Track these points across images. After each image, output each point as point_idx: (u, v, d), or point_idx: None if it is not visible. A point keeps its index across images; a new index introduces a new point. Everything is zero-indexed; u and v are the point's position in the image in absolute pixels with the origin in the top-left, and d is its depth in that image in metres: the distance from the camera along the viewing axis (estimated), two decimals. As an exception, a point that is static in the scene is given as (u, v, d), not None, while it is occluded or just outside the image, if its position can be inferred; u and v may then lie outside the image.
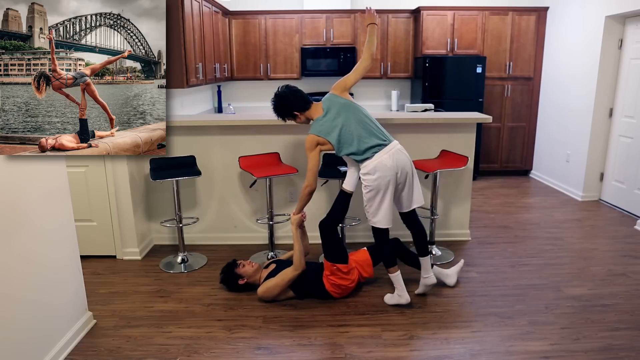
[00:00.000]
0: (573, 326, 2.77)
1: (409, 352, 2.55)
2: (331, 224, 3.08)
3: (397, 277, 3.00)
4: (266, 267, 3.24)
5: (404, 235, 3.30)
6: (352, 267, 3.10)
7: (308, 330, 2.77)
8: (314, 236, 3.26)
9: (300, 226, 3.17)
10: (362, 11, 3.29)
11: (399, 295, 2.99)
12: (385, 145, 2.89)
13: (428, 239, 3.79)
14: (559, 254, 3.84)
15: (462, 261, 3.40)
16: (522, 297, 3.13)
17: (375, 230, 3.01)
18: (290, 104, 3.00)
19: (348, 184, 3.10)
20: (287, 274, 3.01)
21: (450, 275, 3.26)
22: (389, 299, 3.06)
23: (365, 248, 3.30)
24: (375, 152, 2.86)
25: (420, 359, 2.51)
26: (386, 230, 2.98)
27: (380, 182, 2.84)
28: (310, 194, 3.03)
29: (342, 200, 3.11)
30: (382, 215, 2.91)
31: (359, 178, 2.98)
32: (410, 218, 3.11)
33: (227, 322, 2.87)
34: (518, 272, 3.52)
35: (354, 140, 2.88)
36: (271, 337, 2.71)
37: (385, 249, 3.04)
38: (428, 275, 3.07)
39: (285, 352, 2.57)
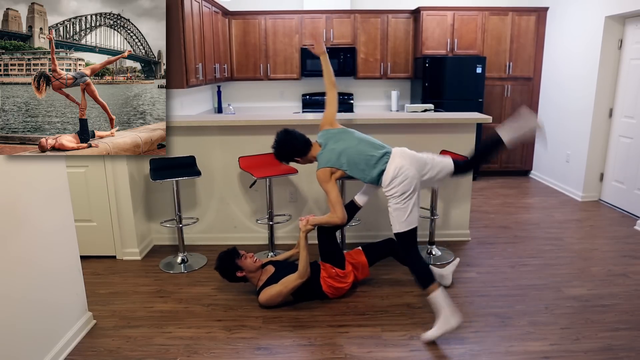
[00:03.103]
0: (573, 326, 2.77)
1: (409, 352, 2.55)
2: (330, 230, 3.07)
3: (437, 296, 2.62)
4: (263, 266, 3.20)
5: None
6: (349, 270, 3.10)
7: (308, 330, 2.76)
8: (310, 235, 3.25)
9: None
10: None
11: (446, 316, 2.60)
12: (390, 152, 2.85)
13: (428, 239, 3.82)
14: (558, 254, 3.84)
15: (457, 260, 3.38)
16: (522, 297, 3.13)
17: (405, 244, 2.78)
18: (289, 152, 2.96)
19: (360, 199, 3.14)
20: (291, 281, 2.95)
21: (446, 275, 3.25)
22: (434, 332, 2.62)
23: (359, 248, 3.28)
24: (386, 162, 2.80)
25: (420, 359, 2.51)
26: (416, 243, 2.79)
27: (409, 181, 2.72)
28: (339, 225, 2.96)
29: (349, 212, 3.09)
30: (413, 215, 2.74)
31: (387, 197, 2.83)
32: None
33: (227, 322, 2.86)
34: (518, 272, 3.52)
35: (362, 161, 2.82)
36: (271, 337, 2.70)
37: (418, 266, 2.76)
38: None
39: (285, 352, 2.57)
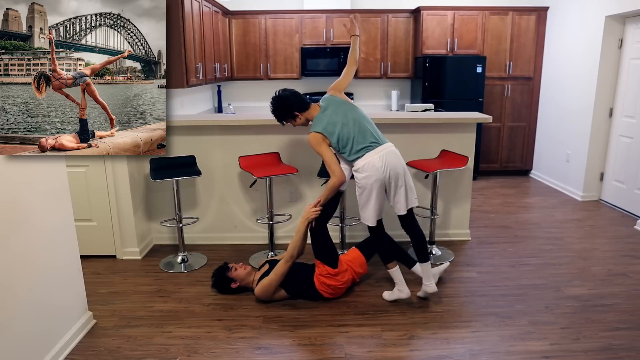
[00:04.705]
0: (573, 326, 2.78)
1: (409, 352, 2.55)
2: (320, 221, 3.06)
3: (395, 272, 3.03)
4: (259, 268, 3.26)
5: (401, 235, 3.29)
6: (343, 269, 3.10)
7: (308, 330, 2.77)
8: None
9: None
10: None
11: (399, 290, 3.01)
12: (377, 146, 2.91)
13: (428, 239, 3.82)
14: (559, 254, 3.84)
15: (447, 264, 3.39)
16: (522, 297, 3.13)
17: (371, 231, 3.06)
18: (291, 105, 3.02)
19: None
20: (280, 267, 3.00)
21: (434, 274, 3.20)
22: (389, 295, 3.08)
23: (354, 247, 3.31)
24: (367, 152, 2.89)
25: (420, 359, 2.51)
26: (380, 227, 3.02)
27: (367, 181, 2.88)
28: (340, 186, 2.99)
29: (332, 198, 3.05)
30: (368, 214, 2.96)
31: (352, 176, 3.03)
32: (408, 222, 3.06)
33: (227, 322, 2.87)
34: (518, 272, 3.52)
35: (350, 139, 2.92)
36: (271, 337, 2.71)
37: (382, 244, 3.07)
38: (429, 283, 3.02)
39: (285, 352, 2.58)
